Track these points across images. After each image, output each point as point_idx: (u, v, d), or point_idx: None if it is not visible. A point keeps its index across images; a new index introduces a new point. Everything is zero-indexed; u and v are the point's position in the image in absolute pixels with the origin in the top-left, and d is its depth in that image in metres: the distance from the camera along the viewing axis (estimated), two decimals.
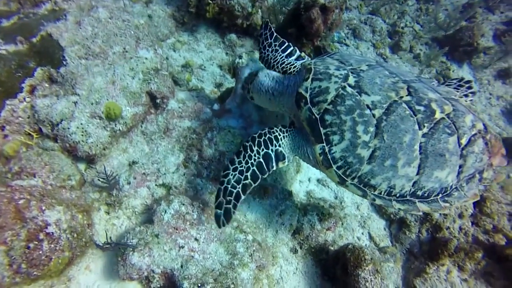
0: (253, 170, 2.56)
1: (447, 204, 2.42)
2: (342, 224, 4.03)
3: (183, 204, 2.82)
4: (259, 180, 2.57)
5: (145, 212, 2.97)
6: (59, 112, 2.85)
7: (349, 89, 2.37)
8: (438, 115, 2.32)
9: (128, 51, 3.25)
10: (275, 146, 2.62)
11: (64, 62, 2.96)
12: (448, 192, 2.43)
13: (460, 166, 2.37)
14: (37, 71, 2.91)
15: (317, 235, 3.54)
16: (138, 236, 2.62)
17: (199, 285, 2.44)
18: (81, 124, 2.89)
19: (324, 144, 2.40)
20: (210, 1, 4.50)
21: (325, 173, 2.60)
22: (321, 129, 2.39)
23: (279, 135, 2.65)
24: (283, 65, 3.01)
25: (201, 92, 4.11)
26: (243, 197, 2.52)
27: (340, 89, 2.38)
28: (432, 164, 2.31)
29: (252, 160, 2.58)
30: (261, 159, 2.58)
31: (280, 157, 2.64)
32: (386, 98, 2.33)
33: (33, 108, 2.86)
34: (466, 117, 2.39)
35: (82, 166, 3.03)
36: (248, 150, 2.61)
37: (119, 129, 3.06)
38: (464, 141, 2.35)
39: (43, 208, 2.25)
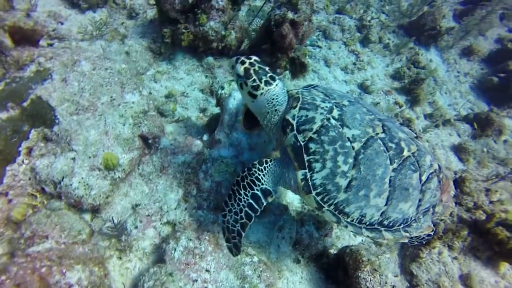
0: (246, 211, 2.73)
1: (407, 234, 2.70)
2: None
3: (190, 240, 3.02)
4: (253, 218, 2.74)
5: (155, 251, 3.15)
6: (60, 171, 2.98)
7: (333, 121, 2.56)
8: (405, 153, 2.59)
9: (115, 99, 3.38)
10: (259, 185, 2.74)
11: (57, 121, 3.08)
12: (408, 223, 2.70)
13: (420, 200, 2.66)
14: (32, 133, 3.02)
15: (316, 243, 3.80)
16: (154, 277, 2.80)
17: None
18: (82, 178, 3.02)
19: (307, 171, 2.57)
20: (184, 30, 4.63)
21: (303, 198, 2.74)
22: (305, 156, 2.55)
23: (259, 174, 2.75)
24: None
25: (188, 121, 4.27)
26: (243, 234, 2.75)
27: (325, 120, 2.56)
28: (398, 197, 2.56)
29: (243, 202, 2.75)
30: (251, 200, 2.74)
31: (266, 192, 2.77)
32: (364, 133, 2.54)
33: (33, 170, 2.97)
34: (426, 157, 2.69)
35: (87, 217, 3.17)
36: (237, 194, 2.77)
37: (119, 177, 3.21)
38: (424, 178, 2.65)
39: (64, 271, 2.41)
